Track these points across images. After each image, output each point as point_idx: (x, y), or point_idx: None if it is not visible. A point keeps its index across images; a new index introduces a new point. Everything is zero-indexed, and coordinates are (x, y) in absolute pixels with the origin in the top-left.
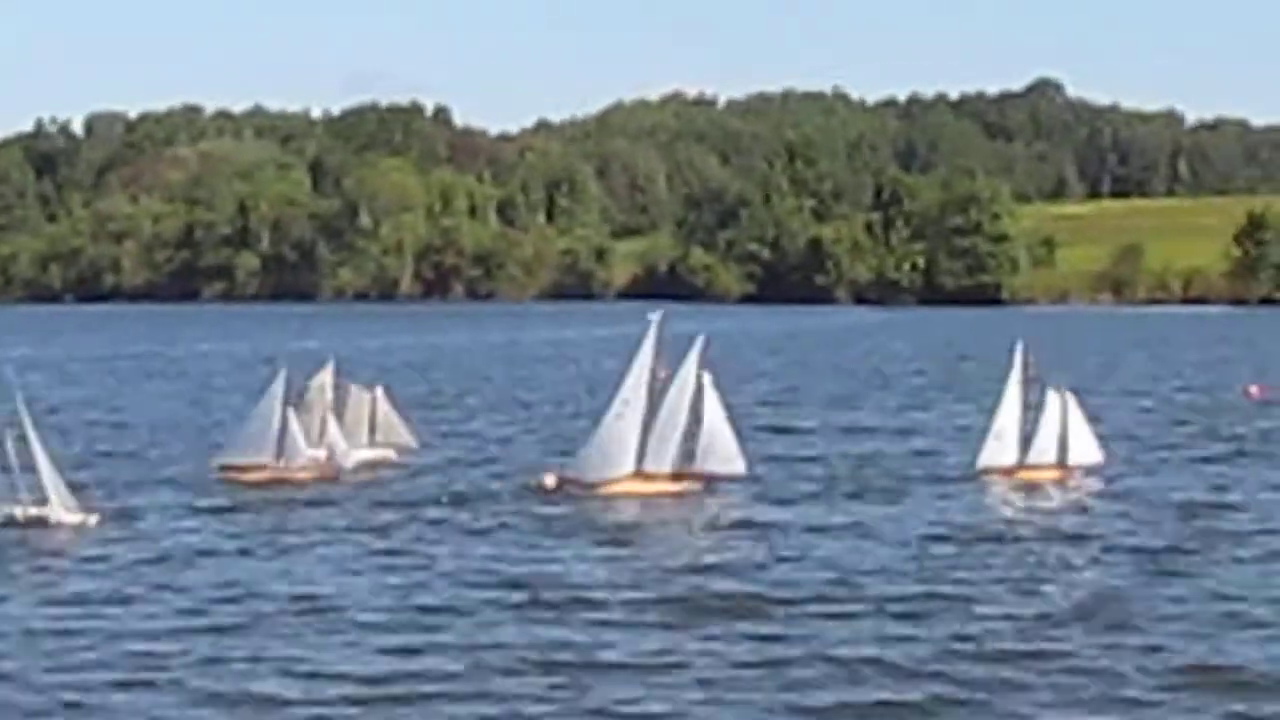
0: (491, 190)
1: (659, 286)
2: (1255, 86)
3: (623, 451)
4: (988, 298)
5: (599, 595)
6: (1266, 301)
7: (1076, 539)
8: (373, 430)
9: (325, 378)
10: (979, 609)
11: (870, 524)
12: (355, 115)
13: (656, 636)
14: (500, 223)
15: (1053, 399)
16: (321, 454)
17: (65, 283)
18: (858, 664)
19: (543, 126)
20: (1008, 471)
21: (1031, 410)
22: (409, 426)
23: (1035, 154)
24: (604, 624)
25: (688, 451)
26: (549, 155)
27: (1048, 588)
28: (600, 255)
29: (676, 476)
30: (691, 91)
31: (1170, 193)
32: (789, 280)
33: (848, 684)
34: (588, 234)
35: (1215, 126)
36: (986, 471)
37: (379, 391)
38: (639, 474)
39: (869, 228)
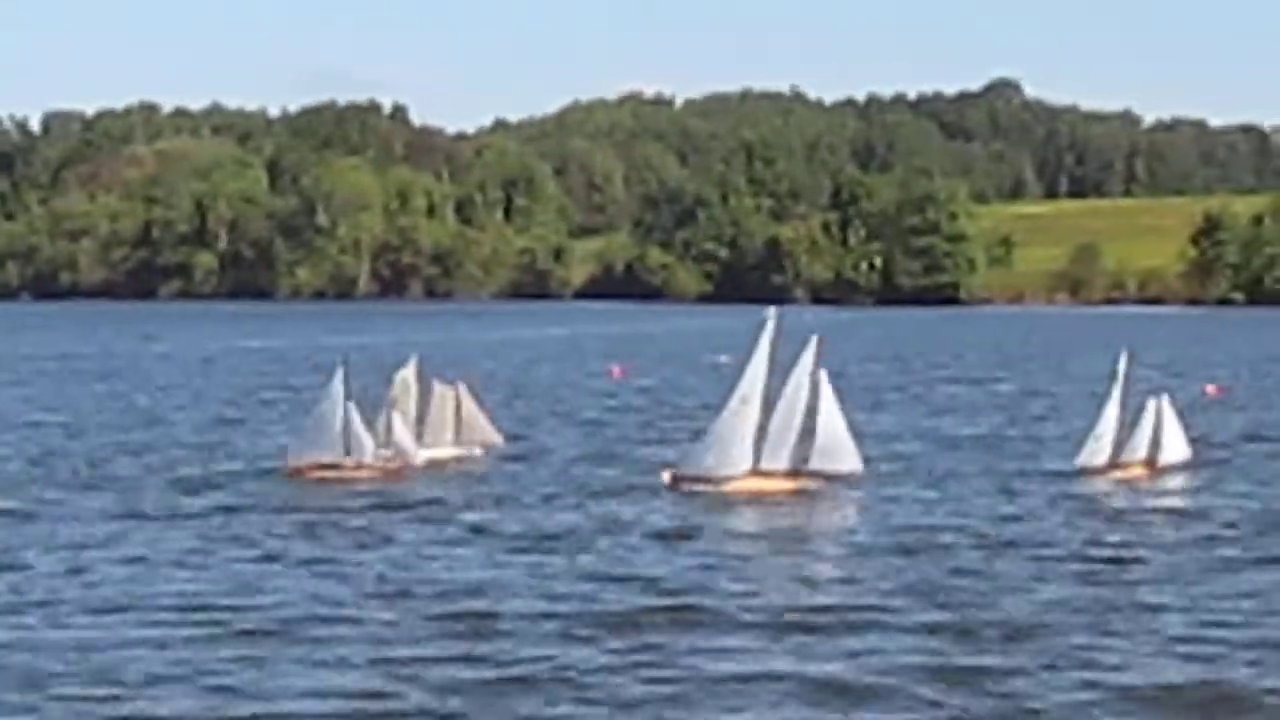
0: (449, 189)
1: (617, 286)
2: (1212, 87)
3: (740, 448)
4: (945, 297)
5: (529, 606)
6: (1223, 302)
7: (1011, 546)
8: (457, 427)
9: (409, 374)
10: (917, 621)
11: (830, 532)
12: (313, 114)
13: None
14: (458, 222)
15: (1149, 402)
16: (388, 452)
17: (23, 280)
18: (764, 681)
19: (500, 125)
20: (1102, 470)
21: (1127, 412)
22: (493, 423)
23: (993, 154)
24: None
25: (804, 450)
26: (506, 154)
27: (972, 602)
28: (558, 254)
29: (793, 475)
30: (649, 91)
31: (1127, 193)
32: (747, 280)
33: (740, 708)
34: (545, 233)
35: (1172, 127)
36: (1085, 471)
37: (462, 388)
38: (756, 472)
39: (826, 227)
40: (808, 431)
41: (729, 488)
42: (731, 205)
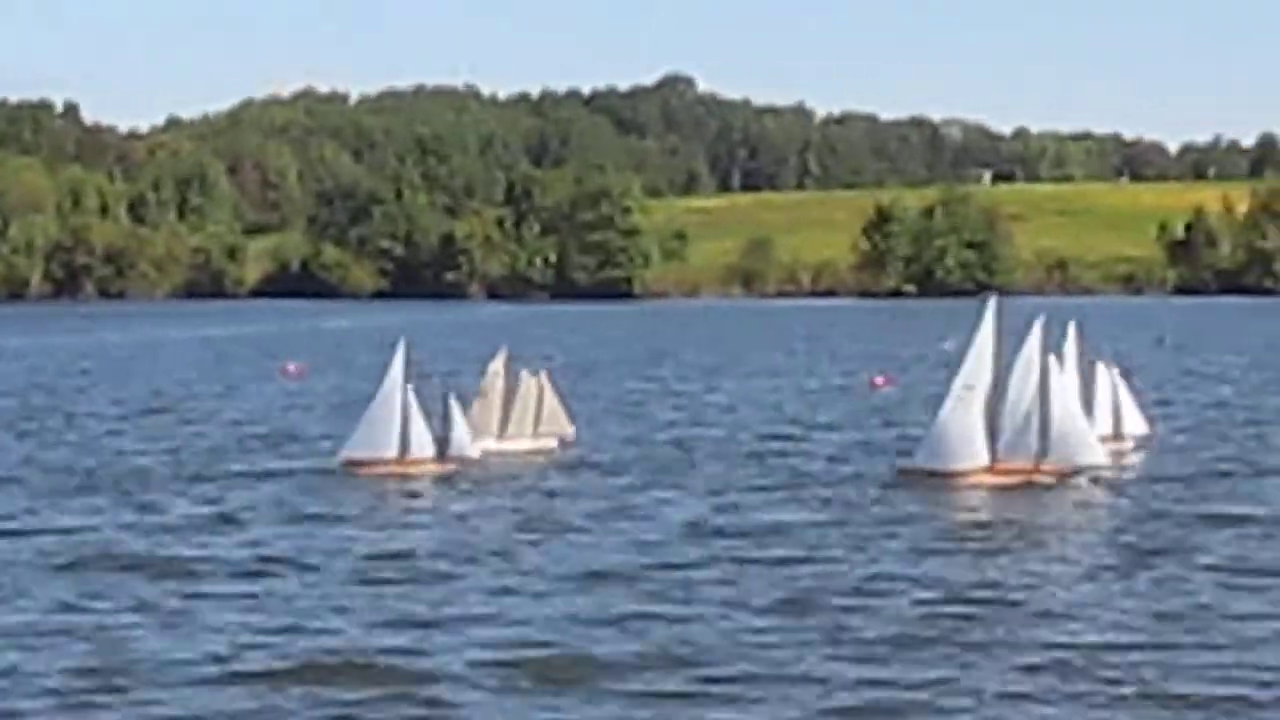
0: (122, 188)
1: (292, 284)
2: (883, 81)
3: (974, 440)
4: (620, 292)
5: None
6: (895, 294)
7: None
8: (538, 419)
9: (498, 366)
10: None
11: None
12: None
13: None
14: (131, 221)
15: (1103, 374)
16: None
17: None
18: None
19: (173, 124)
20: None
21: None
22: (570, 415)
23: (667, 149)
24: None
25: (1039, 441)
26: (180, 153)
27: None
28: (232, 253)
29: (1030, 468)
30: (323, 88)
31: (800, 186)
32: (422, 276)
33: None
34: (220, 231)
35: (844, 121)
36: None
37: (544, 378)
38: (992, 466)
39: (501, 223)
40: (1042, 421)
41: (965, 481)
42: (406, 202)
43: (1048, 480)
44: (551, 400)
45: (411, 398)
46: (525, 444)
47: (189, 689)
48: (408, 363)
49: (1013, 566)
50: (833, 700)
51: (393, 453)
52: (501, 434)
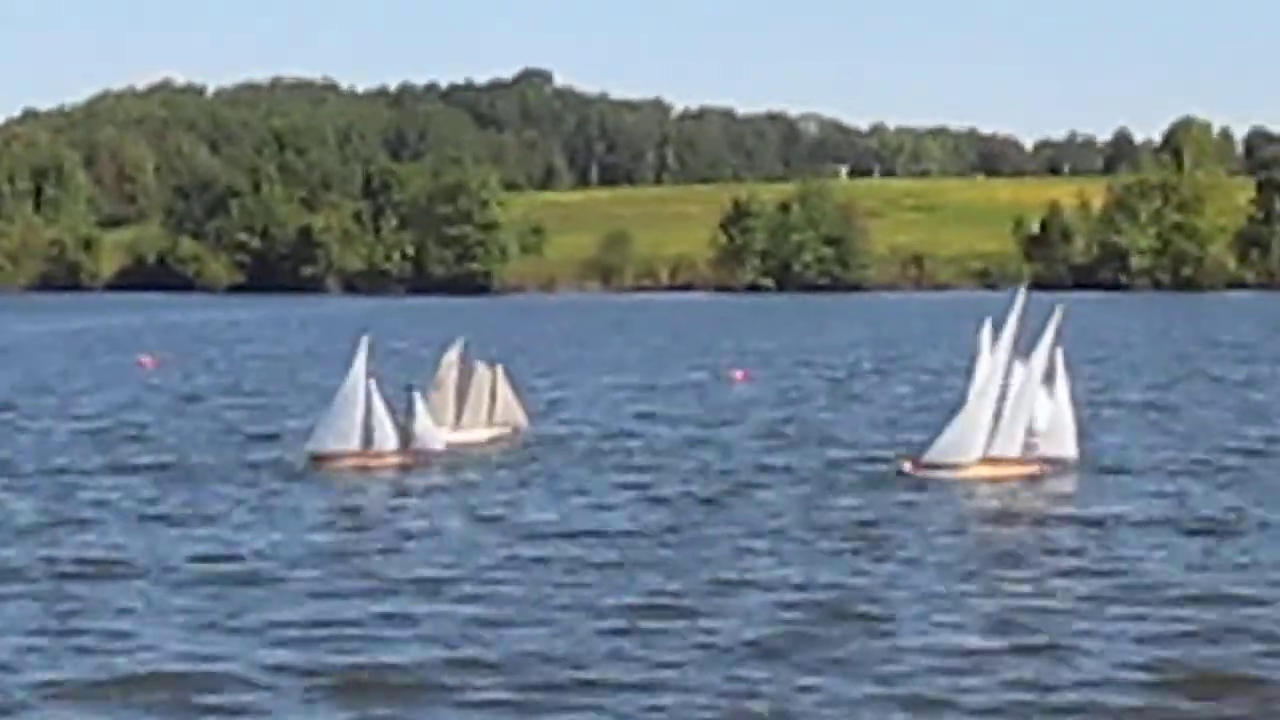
0: None
1: (148, 277)
2: (740, 76)
3: (974, 435)
4: (477, 285)
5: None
6: (752, 288)
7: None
8: (492, 410)
9: (453, 356)
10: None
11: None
12: None
13: None
14: None
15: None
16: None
17: None
18: None
19: (29, 115)
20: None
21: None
22: (524, 406)
23: (524, 143)
24: None
25: (1032, 434)
26: (36, 144)
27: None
28: (88, 246)
29: (1021, 460)
30: (180, 80)
31: (658, 181)
32: (279, 269)
33: None
34: (75, 224)
35: (701, 115)
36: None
37: (499, 370)
38: (987, 459)
39: (358, 217)
40: (1039, 413)
41: (961, 475)
42: (263, 195)
43: (1036, 471)
44: (505, 391)
45: (375, 392)
46: (480, 434)
47: None
48: (370, 360)
49: (871, 568)
50: (687, 711)
51: (356, 446)
52: (457, 425)
